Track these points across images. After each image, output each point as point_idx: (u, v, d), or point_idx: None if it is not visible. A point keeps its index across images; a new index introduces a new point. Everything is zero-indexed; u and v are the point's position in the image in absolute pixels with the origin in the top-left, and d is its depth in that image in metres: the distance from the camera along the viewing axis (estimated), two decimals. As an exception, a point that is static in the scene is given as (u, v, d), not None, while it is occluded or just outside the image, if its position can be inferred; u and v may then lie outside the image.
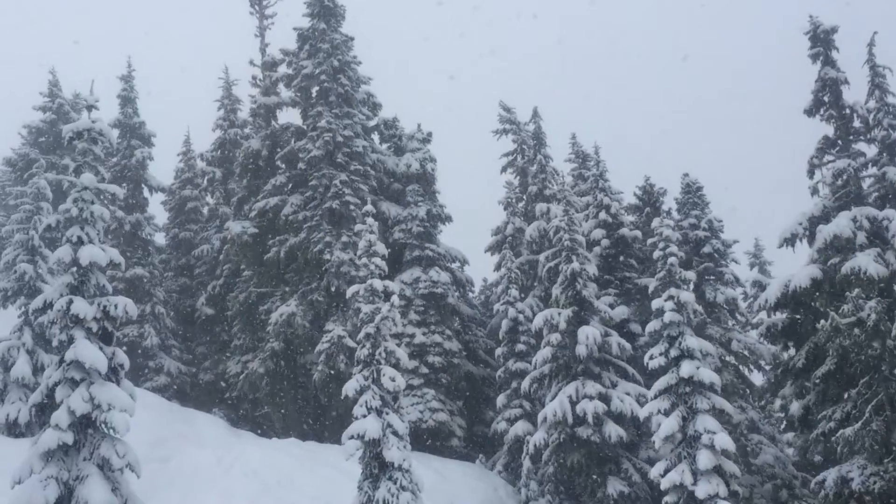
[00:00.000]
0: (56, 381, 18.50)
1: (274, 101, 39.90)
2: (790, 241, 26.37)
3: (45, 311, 19.23)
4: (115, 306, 19.10)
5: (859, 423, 20.45)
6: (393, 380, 19.76)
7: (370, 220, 21.57)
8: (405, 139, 39.54)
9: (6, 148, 48.18)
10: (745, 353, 30.73)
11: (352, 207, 34.73)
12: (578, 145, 39.34)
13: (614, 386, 27.04)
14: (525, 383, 28.42)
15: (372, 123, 39.67)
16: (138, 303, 36.24)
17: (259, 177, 38.78)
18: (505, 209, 38.35)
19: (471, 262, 38.45)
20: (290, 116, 40.67)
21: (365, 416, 19.41)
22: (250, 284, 37.37)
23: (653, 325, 23.70)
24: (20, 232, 30.18)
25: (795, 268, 25.42)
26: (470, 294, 40.52)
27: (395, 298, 20.59)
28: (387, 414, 19.67)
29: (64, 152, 44.36)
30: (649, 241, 26.88)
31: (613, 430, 25.75)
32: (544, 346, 27.50)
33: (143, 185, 41.84)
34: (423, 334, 33.82)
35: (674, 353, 22.88)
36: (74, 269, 19.15)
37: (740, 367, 31.16)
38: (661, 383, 22.96)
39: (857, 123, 26.61)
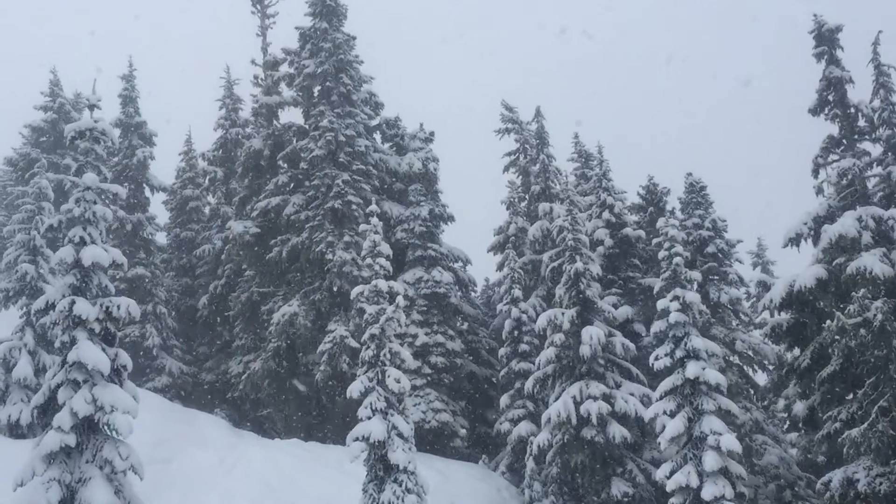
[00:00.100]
0: (58, 382, 18.43)
1: (276, 100, 39.80)
2: (795, 240, 26.23)
3: (48, 312, 19.11)
4: (118, 307, 19.02)
5: (865, 423, 20.37)
6: (398, 381, 19.66)
7: (374, 220, 21.44)
8: (407, 139, 39.43)
9: (7, 147, 48.33)
10: (750, 353, 30.60)
11: (354, 207, 34.65)
12: (581, 145, 39.09)
13: (618, 386, 26.95)
14: (528, 384, 28.32)
15: (374, 123, 39.58)
16: (140, 303, 36.19)
17: (261, 176, 38.69)
18: (507, 209, 38.15)
19: (473, 261, 38.35)
20: (291, 116, 40.70)
21: (370, 418, 19.30)
22: (252, 284, 37.31)
23: (658, 326, 23.63)
24: (22, 232, 30.06)
25: (798, 268, 25.29)
26: (472, 294, 40.40)
27: (399, 299, 20.43)
28: (392, 416, 19.56)
29: (65, 152, 44.38)
30: (654, 240, 26.75)
31: (617, 431, 25.64)
32: (548, 347, 27.42)
33: (144, 185, 41.76)
34: (426, 334, 33.71)
35: (679, 353, 22.81)
36: (77, 269, 19.07)
37: (744, 367, 31.05)
38: (666, 384, 22.88)
39: (861, 123, 26.50)
